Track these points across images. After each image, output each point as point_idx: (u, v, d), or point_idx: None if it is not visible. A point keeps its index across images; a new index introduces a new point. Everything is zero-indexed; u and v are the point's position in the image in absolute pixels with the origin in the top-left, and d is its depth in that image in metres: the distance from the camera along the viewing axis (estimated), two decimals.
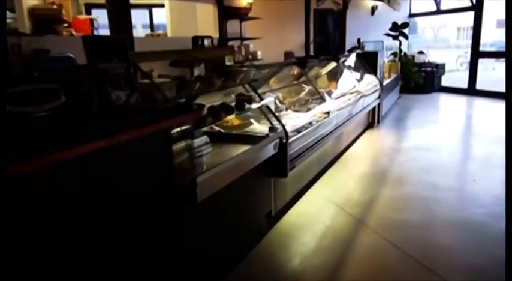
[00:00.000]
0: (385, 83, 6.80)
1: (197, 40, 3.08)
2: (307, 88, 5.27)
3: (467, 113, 8.27)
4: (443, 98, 9.70)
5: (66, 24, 6.68)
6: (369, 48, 8.07)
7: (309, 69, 5.17)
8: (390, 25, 9.86)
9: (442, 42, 19.72)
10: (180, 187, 1.78)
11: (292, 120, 3.52)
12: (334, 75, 5.91)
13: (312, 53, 9.55)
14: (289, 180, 3.06)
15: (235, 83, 2.44)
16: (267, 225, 2.84)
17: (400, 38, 9.80)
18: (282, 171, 2.72)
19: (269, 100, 2.76)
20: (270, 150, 2.55)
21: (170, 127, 1.50)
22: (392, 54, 9.64)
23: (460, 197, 3.45)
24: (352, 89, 5.52)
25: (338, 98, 5.03)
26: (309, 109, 4.28)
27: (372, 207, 3.28)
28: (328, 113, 3.92)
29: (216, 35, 7.50)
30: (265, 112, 2.78)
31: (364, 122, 6.03)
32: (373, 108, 6.15)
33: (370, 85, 6.05)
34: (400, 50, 9.64)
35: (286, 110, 4.26)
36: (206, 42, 5.41)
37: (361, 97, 5.26)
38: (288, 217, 3.09)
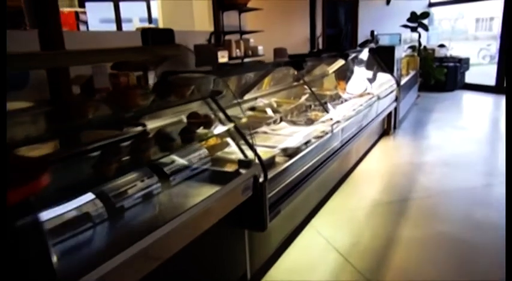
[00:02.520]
0: (402, 81, 5.88)
1: (146, 34, 2.24)
2: (309, 91, 4.43)
3: (498, 116, 7.25)
4: (468, 97, 8.67)
5: None
6: (384, 41, 7.11)
7: (311, 68, 4.31)
8: (408, 15, 8.85)
9: (459, 34, 18.64)
10: None
11: (284, 139, 2.68)
12: (343, 74, 5.04)
13: (320, 47, 8.65)
14: (274, 224, 2.22)
15: (184, 98, 1.62)
16: None
17: (419, 29, 8.78)
18: (257, 223, 1.89)
19: (239, 121, 1.92)
20: (237, 196, 1.72)
21: None
22: (410, 47, 8.65)
23: None
24: (364, 91, 4.63)
25: (346, 101, 4.16)
26: (310, 120, 3.43)
27: (388, 258, 2.42)
28: (332, 126, 3.06)
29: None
30: (235, 136, 1.94)
31: (378, 130, 5.14)
32: (389, 113, 5.25)
33: (386, 85, 5.15)
34: (419, 43, 8.63)
35: (281, 120, 3.42)
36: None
37: (375, 101, 4.37)
38: (271, 276, 2.27)
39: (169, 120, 1.70)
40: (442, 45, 9.86)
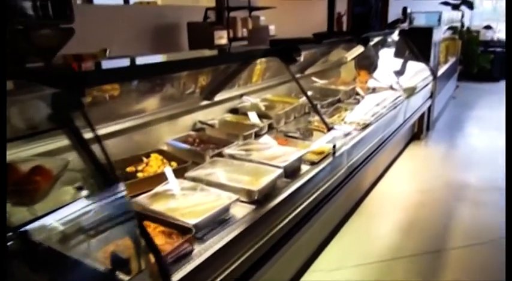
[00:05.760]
0: (440, 71, 4.75)
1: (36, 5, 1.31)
2: (315, 85, 3.46)
3: None
4: None
5: None
6: (419, 21, 5.87)
7: (321, 56, 3.30)
8: None
9: (502, 15, 16.76)
10: None
11: (258, 169, 1.74)
12: (365, 63, 3.98)
13: (344, 28, 7.47)
14: None
15: None
16: None
17: (462, 7, 7.42)
18: None
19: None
20: None
21: None
22: (451, 29, 7.31)
23: None
24: (390, 86, 3.58)
25: (365, 99, 3.15)
26: (309, 131, 2.47)
27: None
28: (333, 148, 2.08)
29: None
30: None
31: (407, 133, 4.08)
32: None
33: (418, 78, 4.06)
34: (462, 24, 7.29)
35: (270, 129, 2.48)
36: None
37: (403, 101, 3.32)
38: None
39: None
40: (488, 27, 8.44)
